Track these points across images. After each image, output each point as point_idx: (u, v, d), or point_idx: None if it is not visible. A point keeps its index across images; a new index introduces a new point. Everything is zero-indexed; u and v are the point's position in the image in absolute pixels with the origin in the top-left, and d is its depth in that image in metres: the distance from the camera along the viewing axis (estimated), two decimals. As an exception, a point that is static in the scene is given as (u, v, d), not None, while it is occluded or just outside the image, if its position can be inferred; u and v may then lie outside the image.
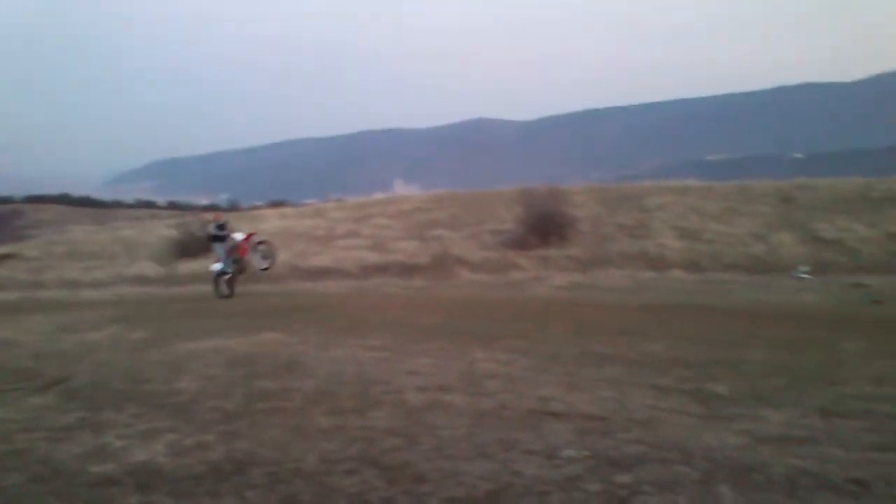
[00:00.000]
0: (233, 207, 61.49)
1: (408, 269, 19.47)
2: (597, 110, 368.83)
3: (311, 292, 17.44)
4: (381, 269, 19.64)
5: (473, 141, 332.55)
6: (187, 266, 24.01)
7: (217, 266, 17.73)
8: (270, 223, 28.75)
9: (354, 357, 8.65)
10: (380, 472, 4.53)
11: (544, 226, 20.14)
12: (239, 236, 17.54)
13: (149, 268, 24.67)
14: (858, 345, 8.59)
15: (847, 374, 7.08)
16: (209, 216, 19.75)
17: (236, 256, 17.49)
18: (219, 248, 17.64)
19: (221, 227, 17.61)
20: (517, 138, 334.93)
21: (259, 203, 48.73)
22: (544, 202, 20.69)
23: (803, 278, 15.80)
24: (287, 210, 34.10)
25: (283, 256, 22.74)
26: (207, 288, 20.15)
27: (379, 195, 31.18)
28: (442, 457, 4.75)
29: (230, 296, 17.19)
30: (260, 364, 8.25)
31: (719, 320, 11.42)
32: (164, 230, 29.69)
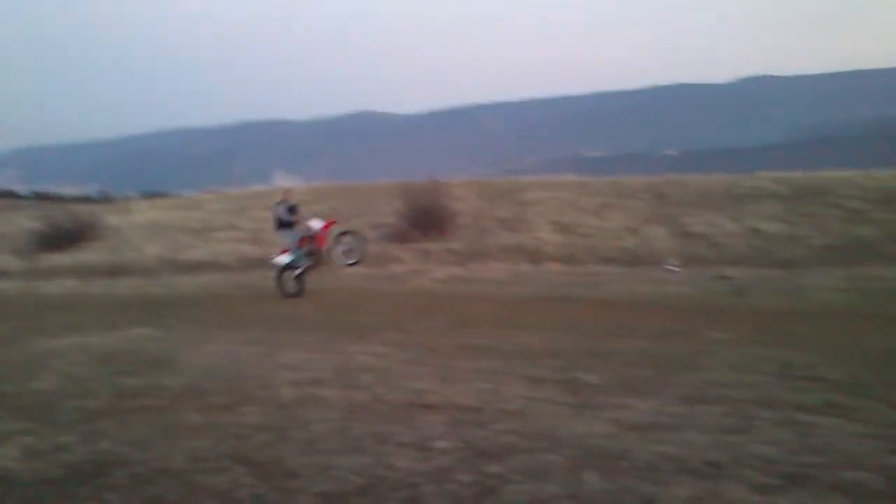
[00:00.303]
0: (104, 198, 58.79)
1: (288, 263, 19.15)
2: (481, 106, 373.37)
3: (185, 286, 16.89)
4: (261, 263, 19.20)
5: (358, 133, 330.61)
6: (52, 259, 22.81)
7: (283, 258, 14.74)
8: (143, 215, 27.69)
9: (229, 352, 8.45)
10: (250, 469, 4.42)
11: (425, 219, 20.22)
12: (316, 224, 14.79)
13: (9, 261, 23.28)
14: (721, 334, 9.04)
15: (709, 362, 7.42)
16: (279, 194, 15.59)
17: (312, 248, 14.69)
18: (287, 236, 14.73)
19: (292, 209, 14.67)
20: (403, 132, 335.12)
21: (132, 194, 46.72)
22: (425, 196, 20.77)
23: (673, 271, 16.46)
24: (161, 201, 32.85)
25: (155, 249, 22.00)
26: (73, 283, 19.24)
27: (259, 187, 30.40)
28: (314, 451, 4.69)
29: (299, 294, 14.52)
30: (127, 361, 7.93)
31: (593, 312, 11.79)
32: (26, 221, 28.08)
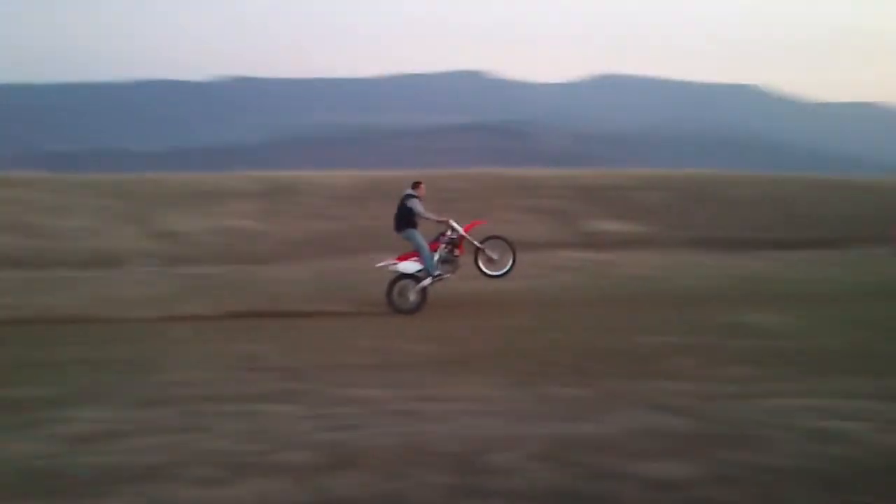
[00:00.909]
0: None
1: None
2: None
3: None
4: None
5: None
6: None
7: (408, 265, 11.46)
8: None
9: None
10: None
11: None
12: (456, 225, 11.66)
13: None
14: (185, 332, 9.04)
15: (172, 362, 7.38)
16: (411, 185, 11.83)
17: (449, 254, 11.62)
18: (417, 238, 11.42)
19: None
20: None
21: None
22: None
23: (150, 270, 15.98)
24: None
25: None
26: None
27: None
28: None
29: (417, 310, 11.34)
30: None
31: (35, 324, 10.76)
32: None
